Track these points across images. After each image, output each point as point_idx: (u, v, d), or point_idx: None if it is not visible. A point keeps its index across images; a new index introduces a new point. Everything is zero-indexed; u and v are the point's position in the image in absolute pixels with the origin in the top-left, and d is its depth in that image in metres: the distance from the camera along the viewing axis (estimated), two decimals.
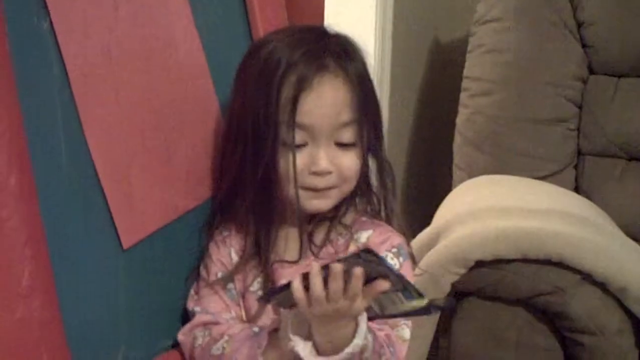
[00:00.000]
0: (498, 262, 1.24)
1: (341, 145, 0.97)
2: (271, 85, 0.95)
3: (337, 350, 0.87)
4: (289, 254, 1.00)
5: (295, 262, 0.99)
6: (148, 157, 0.96)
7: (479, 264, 1.24)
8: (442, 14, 1.99)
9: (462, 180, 1.56)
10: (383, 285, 0.84)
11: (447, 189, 1.58)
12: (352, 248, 0.99)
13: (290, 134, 0.95)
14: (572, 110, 1.62)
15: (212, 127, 1.06)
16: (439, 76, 1.98)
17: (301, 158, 0.96)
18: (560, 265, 1.23)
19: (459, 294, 1.28)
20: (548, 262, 1.23)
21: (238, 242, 1.01)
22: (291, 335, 0.88)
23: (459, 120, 1.64)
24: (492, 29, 1.63)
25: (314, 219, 1.01)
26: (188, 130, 1.03)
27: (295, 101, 0.94)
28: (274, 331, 0.94)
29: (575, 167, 1.63)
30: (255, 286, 1.00)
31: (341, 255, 0.95)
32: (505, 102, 1.60)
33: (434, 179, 1.82)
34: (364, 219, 1.02)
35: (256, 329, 0.97)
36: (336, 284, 0.83)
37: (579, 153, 1.63)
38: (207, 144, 1.05)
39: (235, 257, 1.01)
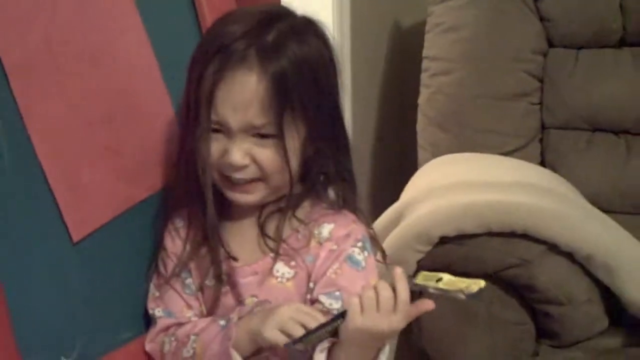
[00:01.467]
0: (462, 238, 1.23)
1: (260, 135, 0.94)
2: (197, 69, 0.93)
3: None
4: (243, 248, 0.99)
5: (250, 258, 0.98)
6: (97, 150, 0.95)
7: (444, 240, 1.23)
8: None
9: (427, 161, 1.55)
10: (429, 305, 0.85)
11: (413, 170, 1.58)
12: (314, 244, 0.97)
13: (205, 124, 0.93)
14: (534, 84, 1.62)
15: (162, 118, 1.05)
16: (400, 59, 1.97)
17: (216, 145, 0.94)
18: (525, 237, 1.22)
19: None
20: (513, 235, 1.22)
21: (192, 234, 1.00)
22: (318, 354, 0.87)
23: (421, 100, 1.63)
24: (449, 7, 1.62)
25: (263, 211, 0.99)
26: (137, 121, 1.02)
27: (211, 94, 0.92)
28: (239, 320, 0.94)
29: (540, 141, 1.62)
30: (212, 280, 0.99)
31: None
32: (465, 80, 1.59)
33: (400, 161, 1.81)
34: (321, 209, 1.00)
35: (222, 322, 0.96)
36: (388, 292, 0.84)
37: (543, 127, 1.63)
38: (157, 135, 1.04)
39: (189, 249, 1.00)
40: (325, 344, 0.87)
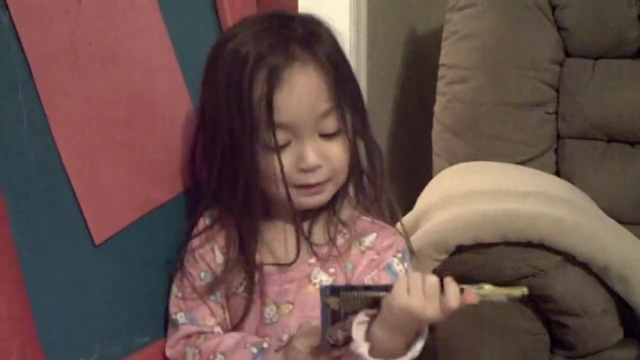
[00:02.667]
0: (479, 247, 1.23)
1: (326, 135, 0.93)
2: (241, 84, 0.91)
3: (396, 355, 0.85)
4: (285, 255, 0.97)
5: (289, 265, 0.96)
6: (118, 151, 0.95)
7: (460, 249, 1.23)
8: (417, 3, 1.99)
9: (442, 168, 1.56)
10: (473, 298, 0.84)
11: (428, 177, 1.58)
12: (355, 251, 0.96)
13: (271, 136, 0.91)
14: (550, 93, 1.62)
15: (184, 120, 1.05)
16: (416, 66, 1.97)
17: (287, 158, 0.92)
18: (542, 247, 1.22)
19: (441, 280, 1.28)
20: (529, 245, 1.22)
21: (222, 238, 0.98)
22: (355, 336, 0.85)
23: (437, 108, 1.63)
24: (466, 15, 1.62)
25: (308, 215, 0.98)
26: (159, 123, 1.01)
27: (269, 101, 0.90)
28: (279, 350, 0.92)
29: (555, 150, 1.63)
30: (241, 289, 0.97)
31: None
32: (481, 88, 1.59)
33: (414, 169, 1.81)
34: (363, 217, 0.99)
35: (254, 350, 0.93)
36: (434, 278, 0.84)
37: (559, 136, 1.63)
38: (179, 137, 1.04)
39: (219, 255, 0.98)
40: (363, 317, 0.85)
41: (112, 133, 0.94)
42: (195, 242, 0.99)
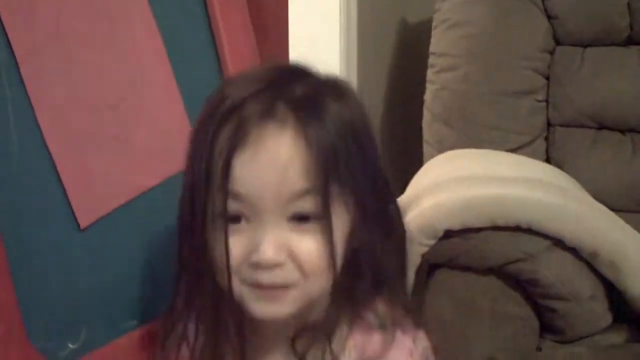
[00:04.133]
0: (467, 232, 1.23)
1: (298, 220, 0.71)
2: (207, 133, 0.72)
3: None
4: None
5: None
6: (104, 136, 0.95)
7: (448, 234, 1.23)
8: None
9: (432, 156, 1.55)
10: None
11: (419, 165, 1.58)
12: None
13: (222, 205, 0.71)
14: (540, 81, 1.62)
15: (170, 108, 1.05)
16: (406, 55, 1.98)
17: (239, 242, 0.72)
18: (530, 231, 1.22)
19: (430, 265, 1.28)
20: (517, 229, 1.22)
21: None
22: None
23: (427, 96, 1.63)
24: (457, 4, 1.62)
25: (298, 332, 0.76)
26: (145, 110, 1.02)
27: (227, 162, 0.70)
28: None
29: (546, 138, 1.63)
30: None
31: None
32: (471, 76, 1.59)
33: (405, 157, 1.81)
34: (365, 329, 0.77)
35: None
36: None
37: (549, 124, 1.63)
38: (165, 125, 1.04)
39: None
40: None
41: (98, 119, 0.95)
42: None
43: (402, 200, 1.33)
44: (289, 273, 0.71)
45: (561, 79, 1.62)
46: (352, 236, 0.74)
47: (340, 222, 0.72)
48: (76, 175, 0.90)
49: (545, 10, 1.61)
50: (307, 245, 0.71)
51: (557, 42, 1.63)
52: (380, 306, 0.78)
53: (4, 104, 0.84)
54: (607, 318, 1.27)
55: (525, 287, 1.27)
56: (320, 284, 0.73)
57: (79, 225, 0.90)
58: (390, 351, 0.76)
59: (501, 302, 1.27)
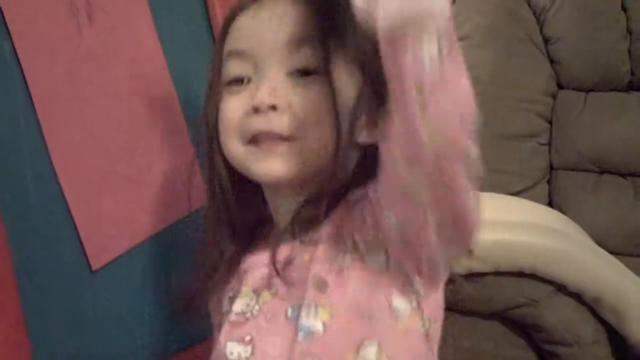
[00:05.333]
0: (471, 276, 1.24)
1: (298, 74, 0.70)
2: (221, 29, 0.76)
3: None
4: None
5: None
6: (117, 179, 0.96)
7: (452, 278, 1.24)
8: None
9: None
10: None
11: None
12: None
13: (229, 69, 0.74)
14: (543, 125, 1.63)
15: (181, 150, 1.06)
16: None
17: (240, 99, 0.73)
18: (534, 277, 1.23)
19: None
20: (521, 274, 1.23)
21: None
22: None
23: None
24: (462, 47, 1.63)
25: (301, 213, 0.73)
26: (157, 153, 1.03)
27: (229, 23, 0.74)
28: None
29: (548, 181, 1.64)
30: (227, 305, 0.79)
31: None
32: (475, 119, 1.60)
33: None
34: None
35: None
36: None
37: (551, 168, 1.64)
38: (177, 167, 1.05)
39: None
40: None
41: (111, 162, 0.96)
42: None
43: None
44: (285, 122, 0.70)
45: (563, 123, 1.64)
46: (358, 111, 0.68)
47: (344, 81, 0.68)
48: (89, 217, 0.91)
49: (549, 55, 1.64)
50: (305, 95, 0.69)
51: (560, 87, 1.65)
52: None
53: (20, 144, 0.85)
54: None
55: (528, 332, 1.27)
56: (317, 142, 0.69)
57: (91, 267, 0.90)
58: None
59: (504, 347, 1.28)
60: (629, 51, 1.61)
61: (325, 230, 0.72)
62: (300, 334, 0.71)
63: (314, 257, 0.72)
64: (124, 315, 0.95)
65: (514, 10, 1.63)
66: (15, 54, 0.84)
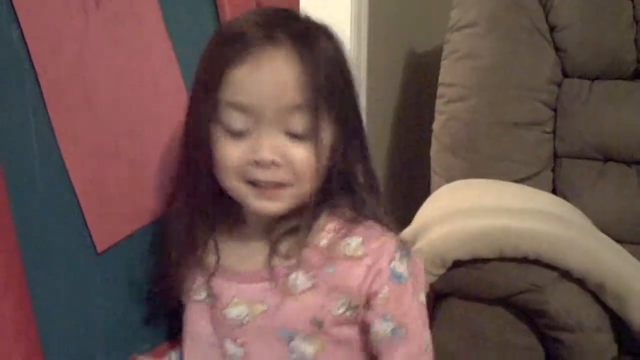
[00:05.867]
0: (476, 262, 1.25)
1: (292, 136, 0.84)
2: (212, 58, 0.85)
3: None
4: (248, 260, 0.91)
5: (251, 273, 0.90)
6: (123, 163, 0.97)
7: (457, 263, 1.25)
8: (417, 23, 2.01)
9: (440, 186, 1.57)
10: None
11: (426, 195, 1.59)
12: (339, 258, 0.88)
13: (229, 117, 0.84)
14: (547, 113, 1.64)
15: None
16: (416, 85, 2.00)
17: (242, 147, 0.84)
18: (538, 262, 1.24)
19: (438, 295, 1.29)
20: (525, 260, 1.24)
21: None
22: None
23: (436, 126, 1.65)
24: (466, 35, 1.65)
25: (276, 229, 0.89)
26: (164, 137, 1.03)
27: (228, 75, 0.82)
28: None
29: (552, 169, 1.64)
30: (202, 294, 0.93)
31: None
32: (480, 107, 1.61)
33: (413, 185, 1.83)
34: (340, 223, 0.89)
35: None
36: None
37: (556, 156, 1.65)
38: None
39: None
40: None
41: (117, 145, 0.96)
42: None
43: (410, 229, 1.35)
44: (283, 174, 0.84)
45: (568, 111, 1.64)
46: (332, 151, 0.86)
47: (325, 137, 0.85)
48: (94, 200, 0.91)
49: (554, 43, 1.64)
50: (300, 152, 0.83)
51: (565, 75, 1.66)
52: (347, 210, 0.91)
53: (27, 128, 0.86)
54: (613, 350, 1.28)
55: (532, 317, 1.28)
56: (308, 186, 0.85)
57: (96, 249, 0.91)
58: (363, 229, 0.89)
59: (508, 333, 1.29)
60: (635, 40, 1.62)
61: (334, 276, 0.88)
62: (292, 356, 0.88)
63: (317, 289, 0.88)
64: (129, 298, 0.96)
65: None
66: (24, 40, 0.84)
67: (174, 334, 1.01)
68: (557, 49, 1.64)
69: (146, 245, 0.98)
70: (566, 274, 1.25)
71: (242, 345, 0.90)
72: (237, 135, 0.84)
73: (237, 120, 0.84)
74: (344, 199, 0.90)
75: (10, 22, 0.84)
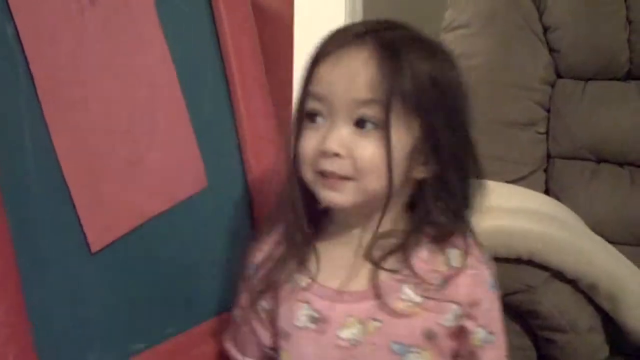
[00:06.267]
0: None
1: (360, 129, 0.84)
2: (310, 57, 0.88)
3: None
4: (338, 276, 0.90)
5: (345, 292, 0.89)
6: (117, 161, 0.97)
7: None
8: (411, 23, 2.01)
9: None
10: None
11: None
12: (443, 268, 0.88)
13: (306, 104, 0.87)
14: (541, 113, 1.64)
15: (181, 132, 1.07)
16: None
17: (314, 136, 0.87)
18: (531, 263, 1.24)
19: None
20: (518, 261, 1.24)
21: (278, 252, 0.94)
22: None
23: None
24: (461, 35, 1.65)
25: (375, 243, 0.89)
26: (159, 134, 1.03)
27: (313, 67, 0.87)
28: None
29: (545, 170, 1.64)
30: (302, 320, 0.91)
31: None
32: (473, 107, 1.60)
33: None
34: (435, 233, 0.90)
35: None
36: None
37: (549, 156, 1.65)
38: (177, 149, 1.06)
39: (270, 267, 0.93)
40: None
41: (112, 144, 0.96)
42: (257, 257, 0.96)
43: None
44: (345, 166, 0.85)
45: (561, 112, 1.64)
46: (414, 152, 0.86)
47: (401, 137, 0.84)
48: (89, 200, 0.91)
49: (548, 43, 1.64)
50: (365, 146, 0.84)
51: (559, 75, 1.66)
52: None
53: (21, 126, 0.85)
54: (605, 350, 1.28)
55: (524, 318, 1.28)
56: (373, 184, 0.85)
57: (90, 249, 0.91)
58: (454, 240, 0.90)
59: None
60: (629, 40, 1.62)
61: (450, 291, 0.89)
62: None
63: (430, 305, 0.88)
64: (122, 298, 0.96)
65: None
66: (18, 36, 0.84)
67: (166, 334, 1.01)
68: (550, 50, 1.64)
69: (141, 244, 0.98)
70: (559, 275, 1.25)
71: None
72: (315, 126, 0.87)
73: (315, 110, 0.87)
74: (438, 207, 0.90)
75: (5, 20, 0.84)
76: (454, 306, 0.89)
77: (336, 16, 1.66)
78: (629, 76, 1.64)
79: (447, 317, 0.89)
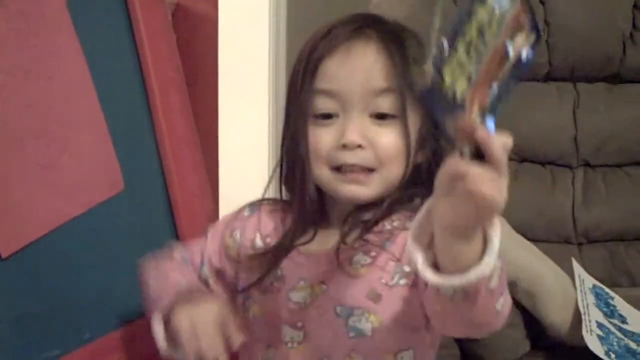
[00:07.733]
0: None
1: (378, 117, 0.85)
2: (306, 46, 0.88)
3: (460, 270, 0.68)
4: (317, 246, 0.90)
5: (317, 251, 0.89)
6: (28, 165, 0.95)
7: None
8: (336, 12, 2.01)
9: None
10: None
11: None
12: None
13: (318, 104, 0.86)
14: None
15: (96, 135, 1.06)
16: None
17: (330, 132, 0.86)
18: None
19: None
20: None
21: (269, 228, 0.93)
22: (411, 242, 0.68)
23: None
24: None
25: (348, 219, 0.88)
26: (73, 139, 1.02)
27: (320, 66, 0.86)
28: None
29: None
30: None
31: None
32: None
33: None
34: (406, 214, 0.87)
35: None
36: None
37: None
38: (93, 152, 1.04)
39: (259, 242, 0.93)
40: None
41: (24, 149, 0.95)
42: (235, 222, 0.95)
43: None
44: (368, 157, 0.84)
45: None
46: (419, 140, 0.86)
47: (413, 122, 0.85)
48: (0, 205, 0.90)
49: None
50: (385, 135, 0.84)
51: None
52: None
53: None
54: (526, 345, 1.31)
55: None
56: (394, 172, 0.85)
57: (0, 254, 0.89)
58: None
59: None
60: (547, 42, 1.65)
61: (391, 248, 0.86)
62: (351, 333, 0.86)
63: (375, 264, 0.86)
64: (37, 303, 0.94)
65: None
66: None
67: (83, 340, 0.99)
68: None
69: (54, 249, 0.96)
70: None
71: (301, 328, 0.88)
72: (327, 122, 0.86)
73: (326, 107, 0.86)
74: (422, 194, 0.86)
75: None
76: (393, 263, 0.86)
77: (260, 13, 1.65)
78: (548, 77, 1.67)
79: (392, 277, 0.86)
